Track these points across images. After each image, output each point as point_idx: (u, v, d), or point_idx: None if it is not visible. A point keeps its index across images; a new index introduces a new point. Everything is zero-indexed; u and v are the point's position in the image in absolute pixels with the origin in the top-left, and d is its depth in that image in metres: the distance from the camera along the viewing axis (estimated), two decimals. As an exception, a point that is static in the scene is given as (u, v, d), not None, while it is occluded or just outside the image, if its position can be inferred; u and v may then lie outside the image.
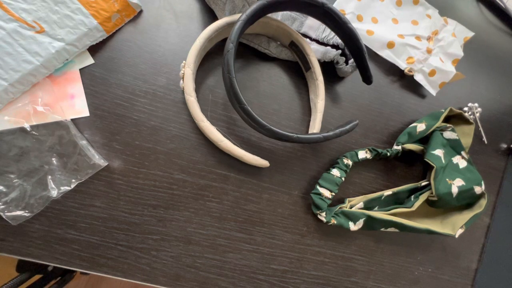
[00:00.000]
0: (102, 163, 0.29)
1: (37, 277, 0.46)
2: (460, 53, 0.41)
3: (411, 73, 0.40)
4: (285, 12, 0.35)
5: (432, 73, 0.40)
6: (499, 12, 0.49)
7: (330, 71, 0.37)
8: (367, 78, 0.34)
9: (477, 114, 0.43)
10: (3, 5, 0.26)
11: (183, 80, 0.29)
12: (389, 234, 0.37)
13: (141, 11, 0.33)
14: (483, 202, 0.36)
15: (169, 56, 0.33)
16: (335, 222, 0.33)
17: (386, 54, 0.40)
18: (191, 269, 0.31)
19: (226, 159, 0.33)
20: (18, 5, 0.27)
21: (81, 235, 0.29)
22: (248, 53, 0.35)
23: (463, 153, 0.38)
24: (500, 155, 0.45)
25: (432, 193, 0.35)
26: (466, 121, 0.40)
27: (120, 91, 0.31)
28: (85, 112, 0.30)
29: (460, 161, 0.38)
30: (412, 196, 0.36)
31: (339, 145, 0.37)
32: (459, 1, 0.47)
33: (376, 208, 0.36)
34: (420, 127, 0.38)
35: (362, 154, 0.35)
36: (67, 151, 0.28)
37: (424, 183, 0.37)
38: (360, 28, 0.39)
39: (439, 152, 0.36)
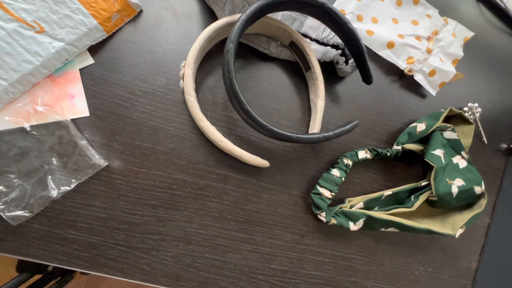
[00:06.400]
0: (102, 163, 0.29)
1: (37, 277, 0.46)
2: (460, 53, 0.41)
3: (411, 73, 0.40)
4: (285, 12, 0.35)
5: (432, 73, 0.40)
6: (499, 12, 0.49)
7: (330, 71, 0.37)
8: (367, 78, 0.34)
9: (477, 114, 0.43)
10: (3, 5, 0.26)
11: (183, 80, 0.29)
12: (389, 234, 0.37)
13: (141, 11, 0.33)
14: (483, 202, 0.36)
15: (169, 56, 0.33)
16: (335, 222, 0.33)
17: (386, 54, 0.40)
18: (191, 269, 0.31)
19: (226, 159, 0.33)
20: (18, 5, 0.27)
21: (81, 235, 0.29)
22: (248, 53, 0.35)
23: (463, 153, 0.38)
24: (500, 155, 0.45)
25: (432, 193, 0.35)
26: (466, 121, 0.40)
27: (120, 91, 0.31)
28: (85, 112, 0.30)
29: (460, 161, 0.38)
30: (412, 196, 0.36)
31: (339, 145, 0.37)
32: (459, 1, 0.47)
33: (376, 208, 0.36)
34: (420, 127, 0.38)
35: (362, 154, 0.35)
36: (67, 151, 0.28)
37: (424, 183, 0.37)
38: (360, 28, 0.39)
39: (439, 152, 0.36)
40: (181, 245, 0.31)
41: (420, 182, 0.38)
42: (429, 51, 0.40)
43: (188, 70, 0.29)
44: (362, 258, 0.36)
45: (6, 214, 0.26)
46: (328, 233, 0.35)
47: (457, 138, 0.38)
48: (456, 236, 0.35)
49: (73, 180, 0.28)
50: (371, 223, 0.34)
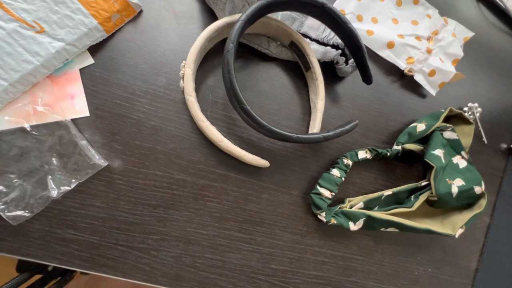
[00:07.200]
0: (102, 163, 0.29)
1: (37, 277, 0.46)
2: (460, 53, 0.41)
3: (411, 73, 0.40)
4: (285, 12, 0.35)
5: (432, 73, 0.40)
6: (499, 12, 0.49)
7: (330, 71, 0.37)
8: (367, 78, 0.34)
9: (477, 114, 0.43)
10: (3, 5, 0.26)
11: (183, 80, 0.29)
12: (389, 234, 0.37)
13: (141, 11, 0.33)
14: (483, 202, 0.36)
15: (169, 56, 0.33)
16: (335, 222, 0.33)
17: (386, 54, 0.40)
18: (191, 269, 0.31)
19: (226, 159, 0.33)
20: (18, 5, 0.27)
21: (81, 235, 0.29)
22: (248, 53, 0.35)
23: (463, 153, 0.38)
24: (500, 155, 0.45)
25: (432, 193, 0.35)
26: (466, 121, 0.40)
27: (120, 91, 0.31)
28: (85, 112, 0.30)
29: (460, 161, 0.38)
30: (412, 196, 0.36)
31: (339, 145, 0.37)
32: (459, 1, 0.47)
33: (376, 208, 0.36)
34: (420, 127, 0.38)
35: (362, 154, 0.35)
36: (67, 151, 0.28)
37: (424, 183, 0.37)
38: (360, 28, 0.39)
39: (439, 152, 0.36)
40: (181, 245, 0.31)
41: (420, 182, 0.38)
42: (429, 51, 0.40)
43: (188, 70, 0.29)
44: (362, 258, 0.36)
45: (6, 214, 0.26)
46: (328, 233, 0.35)
47: (457, 138, 0.38)
48: (456, 236, 0.35)
49: (73, 180, 0.28)
50: (371, 223, 0.34)
